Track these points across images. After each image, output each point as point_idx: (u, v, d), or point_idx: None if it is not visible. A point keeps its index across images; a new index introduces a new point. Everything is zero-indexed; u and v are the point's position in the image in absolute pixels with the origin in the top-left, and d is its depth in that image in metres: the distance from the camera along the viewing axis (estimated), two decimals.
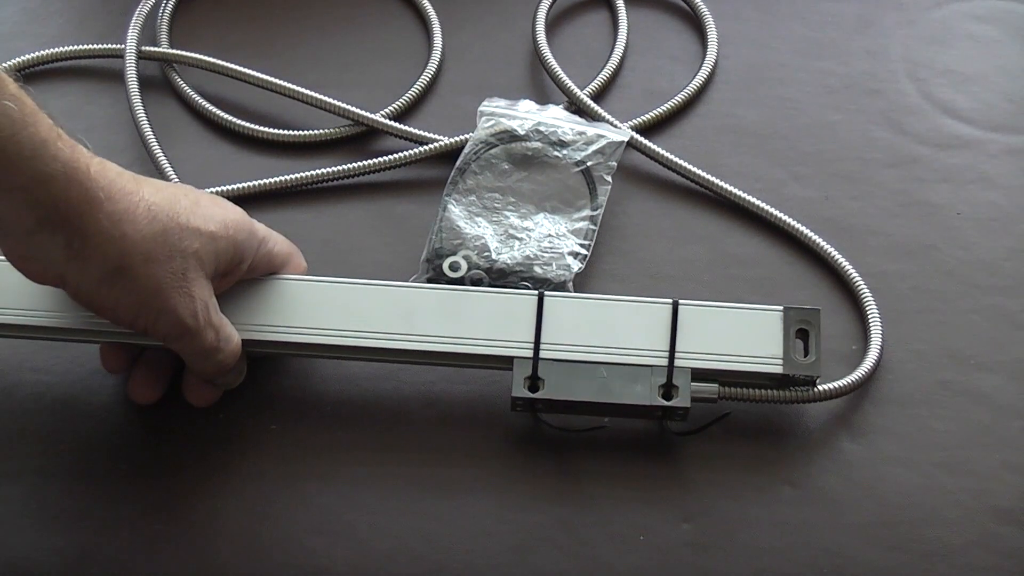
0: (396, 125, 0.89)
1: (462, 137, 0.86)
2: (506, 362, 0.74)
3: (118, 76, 0.91)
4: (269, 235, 0.75)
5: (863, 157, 0.88)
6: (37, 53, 0.92)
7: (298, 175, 0.86)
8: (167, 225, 0.68)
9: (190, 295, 0.69)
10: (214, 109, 0.90)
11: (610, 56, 0.93)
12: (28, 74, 0.92)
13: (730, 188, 0.85)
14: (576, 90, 0.89)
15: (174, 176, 0.85)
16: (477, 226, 0.82)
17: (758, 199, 0.84)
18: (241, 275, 0.74)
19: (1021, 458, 0.75)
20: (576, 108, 0.89)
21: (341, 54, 0.94)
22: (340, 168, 0.86)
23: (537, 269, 0.80)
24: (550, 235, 0.81)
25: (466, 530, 0.73)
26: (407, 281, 0.80)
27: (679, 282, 0.82)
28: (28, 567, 0.71)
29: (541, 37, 0.93)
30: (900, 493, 0.73)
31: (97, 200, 0.65)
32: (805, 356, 0.74)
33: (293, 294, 0.75)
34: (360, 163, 0.87)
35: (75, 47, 0.92)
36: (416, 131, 0.88)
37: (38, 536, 0.72)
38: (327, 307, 0.75)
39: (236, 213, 0.73)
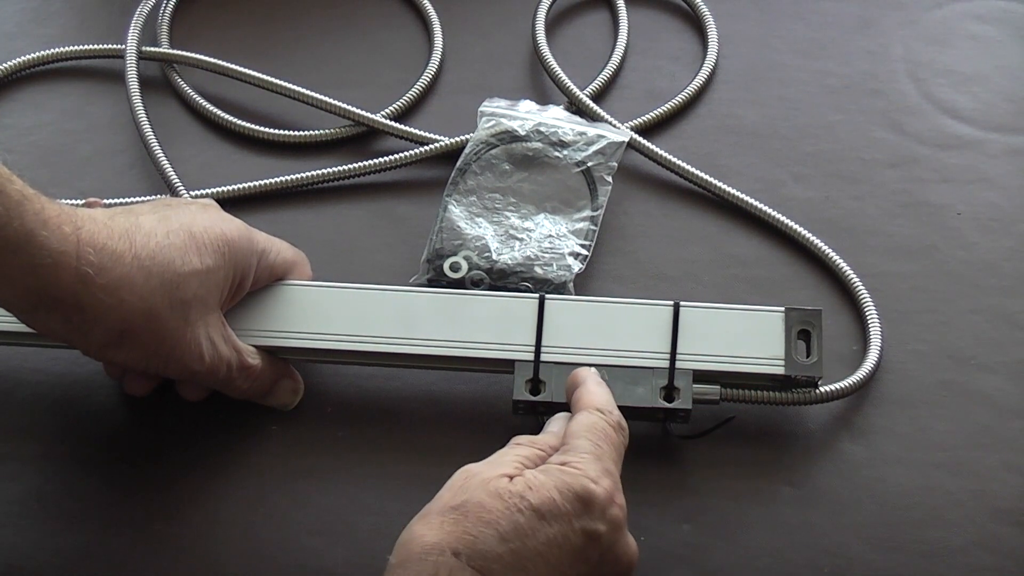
0: (396, 125, 0.88)
1: (463, 137, 0.86)
2: (507, 366, 0.74)
3: (119, 76, 0.91)
4: (270, 246, 0.75)
5: (863, 157, 0.88)
6: (37, 53, 0.92)
7: (298, 175, 0.86)
8: (163, 278, 0.68)
9: (196, 340, 0.69)
10: (214, 109, 0.90)
11: (610, 56, 0.93)
12: (28, 74, 0.92)
13: (730, 189, 0.85)
14: (576, 90, 0.89)
15: (174, 176, 0.85)
16: (478, 226, 0.82)
17: (758, 200, 0.84)
18: (248, 289, 0.74)
19: (1021, 458, 0.75)
20: (576, 108, 0.89)
21: (341, 54, 0.94)
22: (340, 168, 0.86)
23: (538, 270, 0.80)
24: (551, 236, 0.81)
25: None
26: (408, 282, 0.80)
27: (679, 282, 0.82)
28: (28, 567, 0.71)
29: (541, 37, 0.93)
30: (900, 493, 0.73)
31: (88, 277, 0.65)
32: (807, 357, 0.74)
33: (294, 299, 0.75)
34: (360, 163, 0.86)
35: (76, 47, 0.92)
36: (416, 131, 0.88)
37: (38, 536, 0.72)
38: (328, 312, 0.75)
39: (232, 229, 0.72)
